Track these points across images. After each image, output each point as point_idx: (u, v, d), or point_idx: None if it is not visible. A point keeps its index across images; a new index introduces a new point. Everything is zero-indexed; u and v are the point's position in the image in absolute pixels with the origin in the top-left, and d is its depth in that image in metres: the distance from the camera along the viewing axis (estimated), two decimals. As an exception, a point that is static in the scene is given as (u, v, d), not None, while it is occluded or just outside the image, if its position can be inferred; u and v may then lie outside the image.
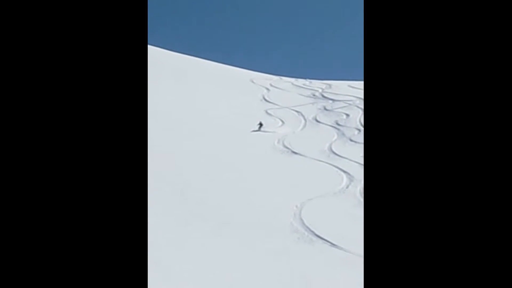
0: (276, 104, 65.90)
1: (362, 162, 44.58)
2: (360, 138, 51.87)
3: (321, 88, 75.08)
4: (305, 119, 59.60)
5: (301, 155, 46.89)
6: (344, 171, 42.21)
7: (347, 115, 60.30)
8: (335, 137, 52.70)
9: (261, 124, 45.38)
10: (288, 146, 49.10)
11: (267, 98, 69.26)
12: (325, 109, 63.85)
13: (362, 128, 54.93)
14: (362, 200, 36.29)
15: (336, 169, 42.88)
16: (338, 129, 55.40)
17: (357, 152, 47.39)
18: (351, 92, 70.97)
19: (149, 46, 75.70)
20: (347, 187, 39.01)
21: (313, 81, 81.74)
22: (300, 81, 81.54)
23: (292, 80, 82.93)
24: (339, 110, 62.71)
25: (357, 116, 59.46)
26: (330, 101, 67.12)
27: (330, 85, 76.99)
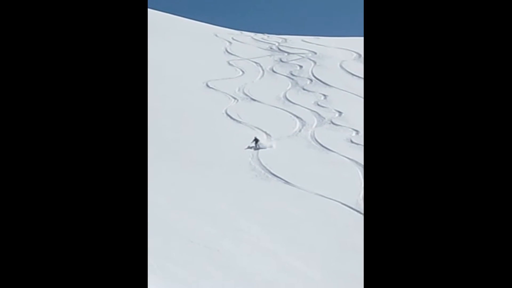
0: (238, 56, 65.36)
1: (314, 109, 44.66)
2: (312, 87, 51.81)
3: (277, 42, 74.55)
4: (263, 70, 59.29)
5: (259, 101, 46.73)
6: (298, 117, 42.21)
7: (301, 66, 60.08)
8: (290, 86, 52.57)
9: (256, 140, 35.12)
10: (248, 94, 48.88)
11: (229, 51, 68.62)
12: (281, 61, 63.50)
13: (313, 79, 54.83)
14: (313, 142, 36.45)
15: (290, 115, 42.85)
16: (292, 79, 55.22)
17: (309, 100, 47.37)
18: (304, 46, 70.61)
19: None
20: (300, 131, 39.06)
21: (270, 35, 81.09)
22: (259, 36, 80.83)
23: (252, 34, 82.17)
24: (294, 62, 62.41)
25: (310, 67, 59.30)
26: (286, 54, 66.72)
27: (285, 39, 76.48)
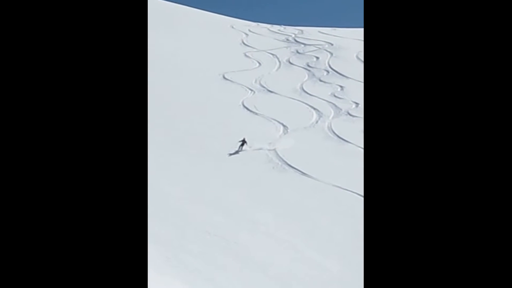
0: (254, 48, 65.29)
1: (331, 100, 44.51)
2: (328, 78, 51.65)
3: (294, 34, 74.43)
4: (279, 61, 59.19)
5: (276, 93, 46.65)
6: (314, 108, 42.10)
7: (317, 58, 59.93)
8: (306, 77, 52.46)
9: (243, 142, 31.87)
10: (264, 85, 48.81)
11: (246, 42, 68.56)
12: (298, 52, 63.37)
13: (330, 70, 54.65)
14: (330, 133, 36.33)
15: (307, 106, 42.75)
16: (309, 70, 55.09)
17: (326, 91, 47.23)
18: (321, 37, 70.46)
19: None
20: (317, 122, 38.97)
21: (287, 27, 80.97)
22: (276, 27, 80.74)
23: (269, 26, 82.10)
24: (310, 53, 62.29)
25: (326, 59, 59.14)
26: (302, 45, 66.60)
27: (302, 31, 76.32)
